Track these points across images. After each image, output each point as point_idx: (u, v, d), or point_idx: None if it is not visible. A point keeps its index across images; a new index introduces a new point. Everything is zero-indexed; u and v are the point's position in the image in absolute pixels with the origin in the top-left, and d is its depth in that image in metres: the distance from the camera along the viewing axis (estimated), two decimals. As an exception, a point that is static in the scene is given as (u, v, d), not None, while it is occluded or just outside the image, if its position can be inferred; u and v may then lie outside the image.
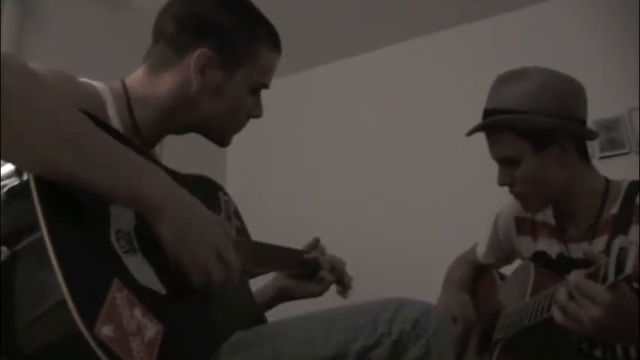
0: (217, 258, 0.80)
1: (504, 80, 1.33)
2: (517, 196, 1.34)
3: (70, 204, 0.71)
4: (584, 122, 1.31)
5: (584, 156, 1.31)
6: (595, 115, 2.32)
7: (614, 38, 2.43)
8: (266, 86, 1.10)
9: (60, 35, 2.26)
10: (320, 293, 1.31)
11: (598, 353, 1.22)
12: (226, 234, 0.84)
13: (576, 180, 1.29)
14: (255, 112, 1.11)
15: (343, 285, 1.38)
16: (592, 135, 1.32)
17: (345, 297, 1.39)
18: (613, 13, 2.45)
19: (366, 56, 3.05)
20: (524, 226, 1.45)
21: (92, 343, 0.60)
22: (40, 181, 0.67)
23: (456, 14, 2.74)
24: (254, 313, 1.06)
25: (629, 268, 0.92)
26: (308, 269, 1.30)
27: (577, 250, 1.30)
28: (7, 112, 0.63)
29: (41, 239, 0.63)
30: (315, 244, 1.35)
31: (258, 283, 1.27)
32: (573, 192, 1.30)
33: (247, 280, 1.11)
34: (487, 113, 1.32)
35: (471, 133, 1.36)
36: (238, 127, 1.11)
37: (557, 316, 1.03)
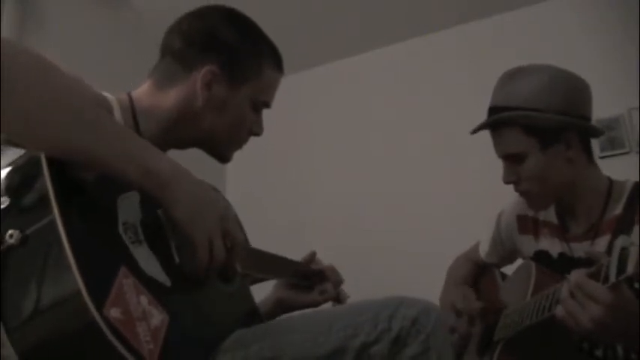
0: (222, 232, 0.82)
1: (510, 77, 1.33)
2: (522, 193, 1.34)
3: (80, 194, 0.73)
4: (589, 120, 1.31)
5: (589, 155, 1.31)
6: (595, 114, 2.31)
7: (614, 38, 2.43)
8: (268, 105, 1.13)
9: (60, 35, 2.26)
10: (320, 304, 1.32)
11: (599, 353, 1.22)
12: (228, 209, 0.87)
13: (580, 178, 1.29)
14: (256, 129, 1.13)
15: (339, 301, 1.39)
16: (598, 132, 1.32)
17: None
18: (613, 13, 2.45)
19: (366, 56, 3.05)
20: (526, 224, 1.45)
21: (102, 324, 0.61)
22: (52, 167, 0.69)
23: (456, 14, 2.74)
24: (254, 315, 1.07)
25: (630, 268, 0.92)
26: (308, 280, 1.30)
27: (579, 250, 1.30)
28: (26, 91, 0.66)
29: (53, 222, 0.65)
30: (312, 258, 1.36)
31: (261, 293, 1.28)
32: (576, 190, 1.30)
33: (247, 282, 1.12)
34: (493, 110, 1.32)
35: (476, 130, 1.36)
36: (240, 143, 1.14)
37: (559, 312, 1.03)
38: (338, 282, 1.37)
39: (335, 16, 2.76)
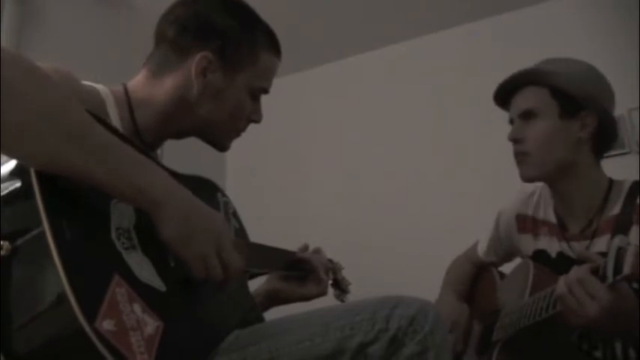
0: (216, 254, 0.80)
1: (546, 61, 1.36)
2: (519, 155, 1.33)
3: (71, 201, 0.71)
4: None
5: (596, 153, 1.32)
6: (595, 115, 2.33)
7: (615, 39, 2.43)
8: (266, 91, 1.10)
9: (60, 35, 2.26)
10: (318, 295, 1.30)
11: (598, 353, 1.22)
12: (226, 230, 0.85)
13: (582, 165, 1.30)
14: (255, 116, 1.11)
15: (341, 289, 1.38)
16: (614, 130, 1.31)
17: (343, 302, 1.39)
18: (613, 13, 2.45)
19: (366, 56, 3.05)
20: (525, 223, 1.44)
21: (93, 337, 0.60)
22: (41, 178, 0.68)
23: (456, 14, 2.75)
24: (252, 313, 1.07)
25: (627, 268, 0.92)
26: (299, 271, 1.29)
27: (578, 249, 1.30)
28: (16, 106, 0.64)
29: (42, 233, 0.63)
30: (304, 250, 1.35)
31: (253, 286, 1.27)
32: (576, 179, 1.30)
33: (246, 280, 1.12)
34: (523, 73, 1.34)
35: (504, 85, 1.37)
36: (238, 131, 1.11)
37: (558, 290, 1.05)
38: (337, 269, 1.36)
39: (335, 16, 2.76)
